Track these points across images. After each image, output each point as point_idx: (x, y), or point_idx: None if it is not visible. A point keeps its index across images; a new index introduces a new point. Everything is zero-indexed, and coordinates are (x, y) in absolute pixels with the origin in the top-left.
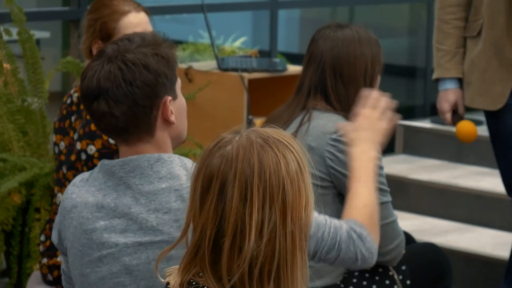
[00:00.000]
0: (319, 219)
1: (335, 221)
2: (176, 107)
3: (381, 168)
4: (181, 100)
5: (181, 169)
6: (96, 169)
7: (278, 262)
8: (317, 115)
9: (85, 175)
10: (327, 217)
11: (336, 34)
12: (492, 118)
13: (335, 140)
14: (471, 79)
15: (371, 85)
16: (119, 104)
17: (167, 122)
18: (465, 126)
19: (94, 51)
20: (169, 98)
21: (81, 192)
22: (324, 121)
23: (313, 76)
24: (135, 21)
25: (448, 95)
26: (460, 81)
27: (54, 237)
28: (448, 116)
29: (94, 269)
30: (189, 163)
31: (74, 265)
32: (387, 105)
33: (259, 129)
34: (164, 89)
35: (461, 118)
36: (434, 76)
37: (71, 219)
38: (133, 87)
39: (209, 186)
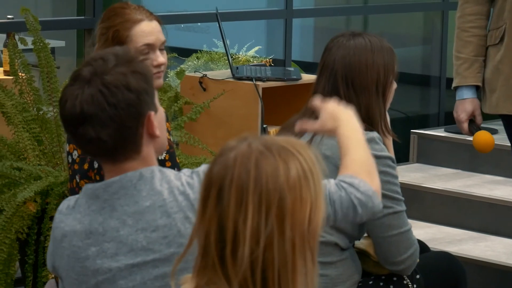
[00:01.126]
0: None
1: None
2: (158, 120)
3: (395, 177)
4: (160, 111)
5: (162, 183)
6: (80, 195)
7: (278, 268)
8: None
9: (71, 201)
10: None
11: (349, 42)
12: None
13: None
14: (495, 85)
15: (384, 93)
16: (106, 128)
17: (152, 136)
18: (482, 137)
19: None
20: (152, 113)
21: (68, 220)
22: None
23: (326, 85)
24: (147, 30)
25: (465, 105)
26: (477, 91)
27: (49, 266)
28: (465, 126)
29: None
30: (172, 175)
31: None
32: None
33: (265, 137)
34: (146, 105)
35: (478, 128)
36: (453, 84)
37: (63, 249)
38: (117, 109)
39: (209, 192)
